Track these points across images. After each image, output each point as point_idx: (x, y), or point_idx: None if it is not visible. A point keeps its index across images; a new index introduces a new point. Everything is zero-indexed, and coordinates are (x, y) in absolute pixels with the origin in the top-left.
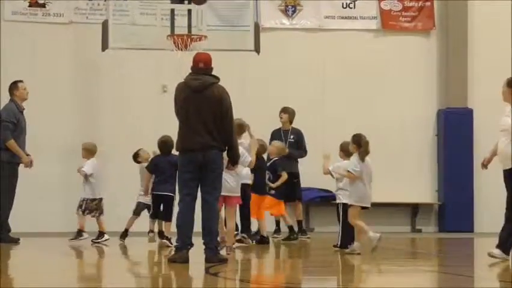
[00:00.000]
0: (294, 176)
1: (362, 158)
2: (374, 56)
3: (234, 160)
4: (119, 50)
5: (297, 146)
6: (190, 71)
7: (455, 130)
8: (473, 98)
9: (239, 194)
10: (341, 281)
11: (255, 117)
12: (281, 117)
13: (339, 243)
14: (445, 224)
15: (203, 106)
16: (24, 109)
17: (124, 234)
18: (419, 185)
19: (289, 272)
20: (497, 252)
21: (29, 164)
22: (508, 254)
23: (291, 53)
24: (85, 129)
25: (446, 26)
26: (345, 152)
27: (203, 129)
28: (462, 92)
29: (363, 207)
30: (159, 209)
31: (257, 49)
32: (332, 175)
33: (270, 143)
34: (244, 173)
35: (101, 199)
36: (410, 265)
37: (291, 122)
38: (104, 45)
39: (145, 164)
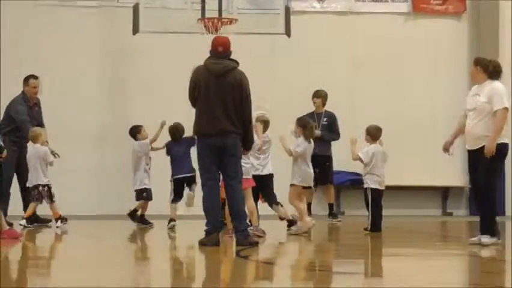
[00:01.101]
0: (327, 159)
1: (307, 140)
2: (404, 39)
3: (248, 146)
4: (149, 33)
5: (330, 128)
6: None
7: None
8: (504, 81)
9: (251, 177)
10: (370, 264)
11: (284, 101)
12: (314, 102)
13: (369, 226)
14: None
15: (224, 91)
16: (35, 102)
17: (139, 218)
18: (450, 168)
19: (319, 255)
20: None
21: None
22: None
23: (322, 37)
24: (115, 113)
25: (478, 9)
26: (371, 136)
27: (222, 114)
28: None
29: (304, 187)
30: (181, 193)
31: (288, 32)
32: (361, 160)
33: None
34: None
35: (33, 186)
36: (441, 248)
37: (324, 105)
38: (135, 29)
39: (144, 142)
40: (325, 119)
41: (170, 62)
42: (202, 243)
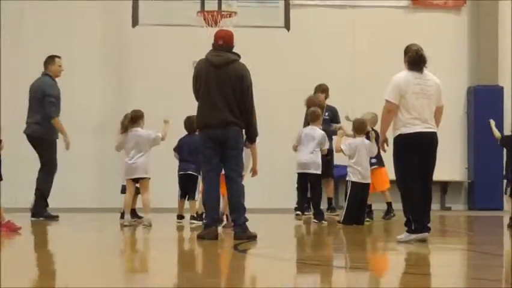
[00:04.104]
0: (328, 153)
1: None
2: (404, 33)
3: (252, 138)
4: (149, 26)
5: (332, 122)
6: None
7: (485, 107)
8: (503, 75)
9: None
10: (369, 259)
11: (284, 93)
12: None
13: (341, 218)
14: (475, 201)
15: (224, 82)
16: None
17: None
18: (449, 163)
19: (317, 250)
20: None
21: (68, 145)
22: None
23: (321, 30)
24: (117, 105)
25: (477, 3)
26: (355, 129)
27: (223, 105)
28: (492, 69)
29: None
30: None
31: (287, 26)
32: (343, 153)
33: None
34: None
35: None
36: (439, 243)
37: (326, 98)
38: (135, 22)
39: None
40: (326, 113)
41: (170, 54)
42: (200, 237)
